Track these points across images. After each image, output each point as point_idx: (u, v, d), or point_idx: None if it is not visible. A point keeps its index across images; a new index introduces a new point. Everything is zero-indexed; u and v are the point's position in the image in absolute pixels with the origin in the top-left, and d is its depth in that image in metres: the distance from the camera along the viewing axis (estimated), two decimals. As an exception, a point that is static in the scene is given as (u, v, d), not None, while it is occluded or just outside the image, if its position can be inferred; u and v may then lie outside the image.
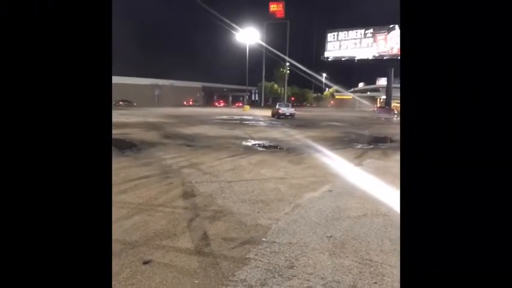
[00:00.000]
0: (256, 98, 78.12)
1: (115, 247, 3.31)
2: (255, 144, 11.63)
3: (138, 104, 52.15)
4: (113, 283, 2.69)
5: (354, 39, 68.77)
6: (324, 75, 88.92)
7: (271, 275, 2.85)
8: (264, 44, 62.33)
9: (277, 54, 66.35)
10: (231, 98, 78.69)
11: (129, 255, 3.15)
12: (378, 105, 67.81)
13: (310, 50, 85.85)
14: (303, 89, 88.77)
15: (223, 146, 10.85)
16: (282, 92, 73.69)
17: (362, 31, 66.92)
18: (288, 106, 31.99)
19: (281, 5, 74.37)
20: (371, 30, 64.09)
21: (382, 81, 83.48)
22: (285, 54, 69.25)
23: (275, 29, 73.95)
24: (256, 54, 63.81)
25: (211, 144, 11.11)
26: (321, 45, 74.42)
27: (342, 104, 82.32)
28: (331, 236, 3.71)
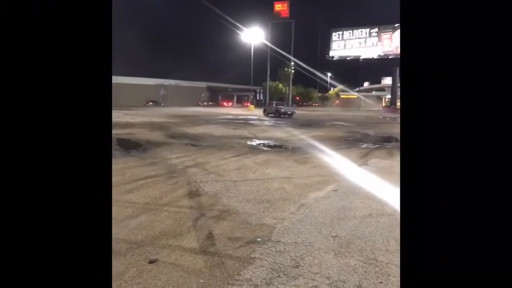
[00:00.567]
0: (261, 98, 78.03)
1: (121, 246, 3.33)
2: (259, 143, 11.64)
3: (143, 105, 52.25)
4: (119, 282, 2.70)
5: (359, 38, 68.51)
6: (329, 74, 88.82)
7: (277, 275, 2.85)
8: (268, 43, 62.23)
9: (282, 54, 66.23)
10: (235, 98, 78.71)
11: (135, 255, 3.17)
12: (383, 104, 67.54)
13: (315, 49, 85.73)
14: (308, 88, 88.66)
15: (228, 145, 10.87)
16: (287, 92, 73.60)
17: (367, 30, 66.67)
18: (283, 105, 33.47)
19: (286, 5, 74.22)
20: (376, 29, 63.87)
21: (387, 81, 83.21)
22: (289, 54, 69.10)
23: (280, 29, 73.83)
24: (261, 53, 63.71)
25: (216, 144, 11.13)
26: (326, 44, 74.23)
27: (347, 103, 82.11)
28: (336, 236, 3.70)
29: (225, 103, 72.87)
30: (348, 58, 69.74)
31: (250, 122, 23.38)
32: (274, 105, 32.48)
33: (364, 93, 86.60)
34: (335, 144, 11.76)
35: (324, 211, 4.53)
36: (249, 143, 11.76)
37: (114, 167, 7.15)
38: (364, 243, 3.52)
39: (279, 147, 10.93)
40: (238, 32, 55.98)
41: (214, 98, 77.74)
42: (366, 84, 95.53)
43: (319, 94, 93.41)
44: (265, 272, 2.90)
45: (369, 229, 3.91)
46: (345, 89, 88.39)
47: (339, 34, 71.43)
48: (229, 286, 2.68)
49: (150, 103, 60.75)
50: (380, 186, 5.97)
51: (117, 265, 2.96)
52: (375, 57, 63.25)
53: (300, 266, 3.02)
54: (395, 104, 54.46)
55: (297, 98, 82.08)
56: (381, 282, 2.77)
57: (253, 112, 39.75)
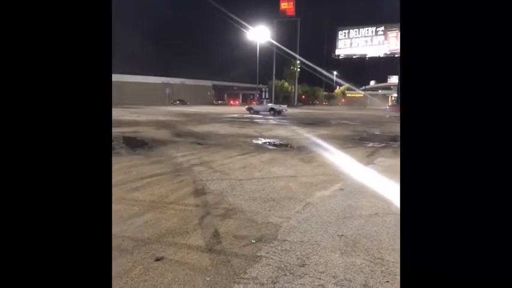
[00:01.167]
0: (267, 96, 77.98)
1: (128, 244, 3.35)
2: (265, 142, 11.64)
3: (147, 103, 52.37)
4: (126, 279, 2.72)
5: (365, 36, 68.29)
6: (335, 73, 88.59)
7: (283, 273, 2.85)
8: (274, 42, 62.16)
9: (287, 52, 66.20)
10: (241, 96, 78.74)
11: (142, 252, 3.19)
12: (390, 103, 67.25)
13: (321, 47, 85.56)
14: (314, 87, 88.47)
15: (233, 144, 10.88)
16: (293, 90, 73.54)
17: (373, 28, 66.43)
18: (264, 103, 35.62)
19: (292, 3, 74.10)
20: (382, 28, 63.60)
21: (393, 79, 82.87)
22: (295, 52, 69.06)
23: (286, 27, 73.76)
24: (267, 52, 63.72)
25: (221, 143, 11.14)
26: (332, 42, 74.09)
27: (353, 102, 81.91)
28: (342, 235, 3.69)
29: (231, 101, 73.30)
30: (354, 57, 69.53)
31: (255, 120, 23.37)
32: (265, 103, 34.91)
33: (370, 92, 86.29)
34: (341, 143, 11.73)
35: (329, 210, 4.52)
36: (254, 141, 11.76)
37: (120, 165, 7.19)
38: (371, 242, 3.51)
39: (284, 145, 10.92)
40: (243, 30, 56.02)
41: (220, 96, 77.84)
42: (372, 82, 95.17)
43: (325, 93, 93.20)
44: (271, 270, 2.90)
45: (375, 228, 3.89)
46: (351, 87, 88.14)
47: (345, 32, 71.23)
48: (235, 284, 2.69)
49: (177, 102, 63.02)
50: (386, 185, 5.94)
51: (124, 262, 2.98)
52: (381, 55, 62.99)
53: (306, 264, 3.01)
54: (401, 103, 54.10)
55: (303, 96, 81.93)
56: (387, 282, 2.76)
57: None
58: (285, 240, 3.51)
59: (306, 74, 76.11)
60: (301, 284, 2.71)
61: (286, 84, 76.12)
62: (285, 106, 33.32)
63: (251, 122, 21.79)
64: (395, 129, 18.70)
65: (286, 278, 2.79)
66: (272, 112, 30.56)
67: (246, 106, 35.32)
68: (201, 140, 11.60)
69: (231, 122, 20.68)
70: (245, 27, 55.22)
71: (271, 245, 3.40)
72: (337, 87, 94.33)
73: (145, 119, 21.94)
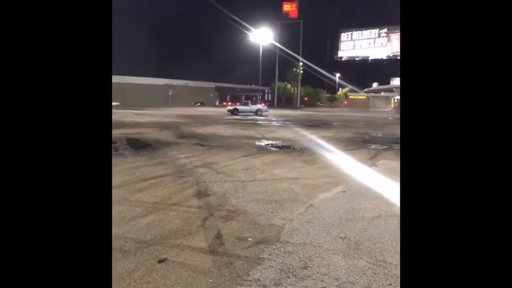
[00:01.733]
0: (269, 98, 78.01)
1: (130, 245, 3.36)
2: (268, 144, 11.64)
3: (151, 105, 52.44)
4: (128, 281, 2.73)
5: (368, 39, 68.24)
6: (338, 75, 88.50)
7: (285, 275, 2.85)
8: (277, 44, 62.21)
9: (290, 54, 66.23)
10: (243, 98, 78.81)
11: (144, 254, 3.20)
12: (393, 105, 67.14)
13: (323, 49, 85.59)
14: (316, 88, 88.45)
15: (236, 145, 10.89)
16: (295, 92, 73.54)
17: (376, 31, 66.39)
18: (247, 104, 36.21)
19: (294, 5, 74.20)
20: (385, 30, 63.57)
21: (396, 81, 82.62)
22: (298, 54, 69.07)
23: (288, 29, 73.83)
24: (270, 54, 63.75)
25: (224, 144, 11.15)
26: (335, 45, 74.09)
27: (355, 104, 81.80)
28: (345, 237, 3.69)
29: (238, 103, 73.63)
30: (356, 59, 69.49)
31: (258, 122, 23.38)
32: (249, 104, 35.85)
33: (373, 94, 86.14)
34: (343, 145, 11.72)
35: (332, 212, 4.52)
36: (257, 143, 11.77)
37: (123, 166, 7.21)
38: (373, 244, 3.51)
39: (287, 147, 10.92)
40: (246, 32, 56.05)
41: (223, 98, 77.85)
42: (374, 85, 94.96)
43: (328, 95, 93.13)
44: (274, 272, 2.90)
45: (378, 230, 3.89)
46: (354, 89, 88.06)
47: (347, 34, 71.20)
48: (238, 286, 2.69)
49: (198, 104, 63.98)
50: (389, 187, 5.93)
51: (127, 264, 2.99)
52: (384, 57, 62.94)
53: (308, 267, 3.01)
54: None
55: (305, 98, 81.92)
56: (390, 284, 2.75)
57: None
58: (287, 242, 3.51)
59: (309, 76, 76.17)
60: (304, 286, 2.70)
61: (289, 86, 76.12)
62: (266, 107, 36.51)
63: (254, 123, 21.80)
64: (398, 131, 18.61)
65: (289, 280, 2.79)
66: (259, 113, 33.34)
67: (228, 107, 35.29)
68: (204, 142, 11.61)
69: (234, 124, 20.70)
70: (248, 30, 55.31)
71: (273, 247, 3.40)
72: (340, 89, 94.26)
73: (148, 120, 21.99)
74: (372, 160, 8.89)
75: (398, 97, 66.77)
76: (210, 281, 2.76)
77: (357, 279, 2.83)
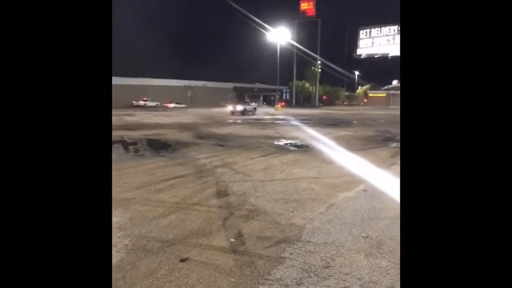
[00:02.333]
0: (288, 97, 77.78)
1: (153, 245, 3.40)
2: (286, 143, 11.61)
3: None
4: (151, 280, 2.76)
5: (387, 35, 67.29)
6: (357, 73, 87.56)
7: (307, 275, 2.84)
8: (294, 42, 61.96)
9: (308, 53, 65.88)
10: (261, 98, 78.74)
11: (167, 253, 3.23)
12: (413, 102, 65.82)
13: (342, 47, 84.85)
14: (335, 87, 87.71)
15: (255, 145, 10.90)
16: (314, 91, 73.13)
17: (395, 27, 65.39)
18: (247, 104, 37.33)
19: (312, 3, 73.76)
20: (405, 26, 62.48)
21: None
22: (316, 53, 68.66)
23: (306, 28, 73.47)
24: (287, 53, 63.56)
25: (243, 144, 11.18)
26: (353, 42, 73.37)
27: (375, 102, 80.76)
28: (367, 236, 3.65)
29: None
30: (375, 56, 68.65)
31: (276, 122, 23.35)
32: (249, 103, 37.54)
33: (393, 92, 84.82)
34: (364, 144, 11.59)
35: (353, 211, 4.47)
36: (275, 142, 11.75)
37: (144, 167, 7.30)
38: (396, 243, 3.45)
39: (306, 146, 10.86)
40: (264, 31, 55.98)
41: (241, 98, 78.06)
42: (394, 82, 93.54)
43: (347, 93, 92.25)
44: (296, 272, 2.89)
45: (401, 230, 3.82)
46: (373, 87, 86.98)
47: (366, 32, 70.42)
48: (260, 285, 2.69)
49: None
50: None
51: (149, 263, 3.03)
52: (404, 54, 61.86)
53: (330, 266, 2.99)
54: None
55: (324, 97, 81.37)
56: (414, 284, 2.70)
57: (279, 112, 39.65)
58: (308, 242, 3.49)
59: (327, 74, 75.61)
60: (326, 285, 2.68)
61: (307, 85, 75.73)
62: (255, 105, 38.64)
63: (272, 123, 21.78)
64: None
65: (310, 279, 2.77)
66: (255, 111, 35.44)
67: (231, 108, 34.72)
68: (223, 142, 11.67)
69: (252, 124, 20.72)
70: (265, 29, 55.23)
71: (294, 246, 3.39)
72: (359, 87, 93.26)
73: (168, 121, 22.24)
74: (393, 158, 8.76)
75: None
76: (232, 280, 2.77)
77: (380, 278, 2.79)
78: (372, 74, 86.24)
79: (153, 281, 2.75)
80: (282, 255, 3.18)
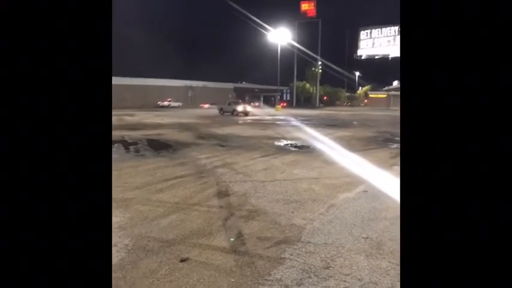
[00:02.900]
0: (288, 98, 77.77)
1: (153, 245, 3.40)
2: (287, 144, 11.61)
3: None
4: (152, 280, 2.76)
5: (388, 36, 67.31)
6: (357, 73, 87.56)
7: (307, 275, 2.84)
8: (295, 43, 61.94)
9: (308, 54, 65.89)
10: (262, 98, 78.72)
11: (167, 253, 3.23)
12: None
13: (342, 48, 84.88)
14: (336, 88, 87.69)
15: (255, 146, 10.90)
16: (314, 92, 73.12)
17: (396, 28, 65.39)
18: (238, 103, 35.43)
19: (312, 4, 73.76)
20: (406, 27, 62.44)
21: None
22: (316, 54, 68.67)
23: (306, 28, 73.47)
24: (288, 54, 63.53)
25: (244, 144, 11.18)
26: (354, 43, 73.36)
27: (376, 103, 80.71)
28: (367, 237, 3.65)
29: (252, 103, 74.01)
30: (376, 57, 68.65)
31: (277, 122, 23.35)
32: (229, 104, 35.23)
33: (394, 93, 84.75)
34: (364, 144, 11.59)
35: (354, 212, 4.47)
36: (276, 143, 11.75)
37: (145, 167, 7.31)
38: (396, 244, 3.45)
39: (306, 147, 10.86)
40: (264, 32, 55.95)
41: (241, 98, 78.11)
42: (395, 83, 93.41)
43: (347, 94, 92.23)
44: (296, 272, 2.89)
45: (401, 231, 3.82)
46: (374, 88, 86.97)
47: (367, 32, 70.44)
48: (260, 286, 2.69)
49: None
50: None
51: (150, 263, 3.03)
52: (405, 55, 61.82)
53: (330, 267, 2.99)
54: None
55: (325, 97, 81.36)
56: (414, 285, 2.70)
57: (279, 113, 39.64)
58: (309, 242, 3.49)
59: (328, 75, 75.63)
60: (326, 286, 2.68)
61: (307, 85, 75.71)
62: (244, 104, 36.25)
63: (273, 124, 21.78)
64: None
65: (311, 280, 2.77)
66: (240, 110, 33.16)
67: (220, 107, 34.62)
68: (223, 142, 11.67)
69: (252, 124, 20.72)
70: (266, 29, 55.20)
71: (295, 247, 3.39)
72: (360, 88, 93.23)
73: (168, 121, 22.24)
74: (393, 159, 8.76)
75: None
76: (232, 280, 2.77)
77: (380, 279, 2.79)
78: (373, 75, 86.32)
79: (153, 281, 2.75)
80: (282, 256, 3.19)
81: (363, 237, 3.64)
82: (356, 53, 71.73)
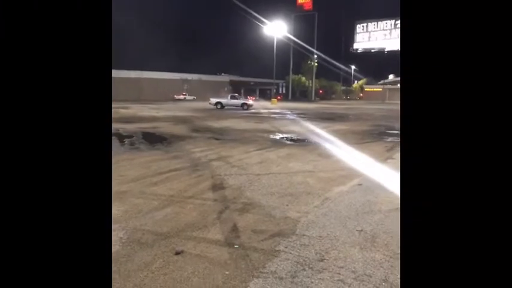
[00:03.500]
0: (284, 91, 77.69)
1: (148, 238, 3.40)
2: (282, 137, 11.61)
3: (166, 99, 53.06)
4: (146, 272, 2.76)
5: (384, 30, 67.28)
6: (353, 67, 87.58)
7: (302, 268, 2.85)
8: (291, 36, 61.77)
9: (304, 47, 65.74)
10: (258, 92, 78.57)
11: (162, 246, 3.23)
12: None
13: (338, 42, 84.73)
14: (332, 81, 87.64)
15: (251, 139, 10.90)
16: (310, 85, 73.06)
17: (392, 21, 65.37)
18: (235, 98, 34.12)
19: (309, -3, 73.39)
20: (402, 21, 62.43)
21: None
22: (312, 47, 68.52)
23: (303, 21, 73.17)
24: (284, 47, 63.35)
25: (239, 138, 11.17)
26: (350, 36, 73.33)
27: (371, 96, 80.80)
28: (361, 230, 3.67)
29: (249, 97, 73.81)
30: (372, 50, 68.68)
31: (272, 116, 23.33)
32: (229, 97, 33.65)
33: (390, 86, 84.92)
34: (359, 138, 11.62)
35: (348, 205, 4.49)
36: (271, 136, 11.75)
37: (140, 160, 7.29)
38: (390, 237, 3.48)
39: (302, 140, 10.87)
40: (260, 25, 55.74)
41: (237, 91, 77.93)
42: (391, 76, 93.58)
43: (343, 87, 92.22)
44: (290, 265, 2.90)
45: (395, 223, 3.84)
46: (370, 81, 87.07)
47: (363, 26, 70.36)
48: (255, 278, 2.70)
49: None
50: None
51: (144, 256, 3.03)
52: (400, 49, 61.91)
53: (325, 259, 3.00)
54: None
55: (320, 91, 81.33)
56: (407, 278, 2.72)
57: (275, 106, 39.60)
58: (303, 235, 3.51)
59: (324, 68, 75.57)
60: (320, 278, 2.70)
61: (303, 79, 75.61)
62: (251, 102, 35.08)
63: (268, 117, 21.77)
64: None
65: (305, 272, 2.78)
66: (245, 107, 31.39)
67: (215, 100, 32.84)
68: (219, 136, 11.65)
69: (248, 118, 20.70)
70: (262, 22, 54.94)
71: (289, 239, 3.40)
72: (355, 81, 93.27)
73: (163, 114, 22.16)
74: (388, 153, 8.80)
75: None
76: (227, 273, 2.77)
77: (373, 271, 2.81)
78: (369, 69, 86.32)
79: (147, 274, 2.75)
80: (277, 249, 3.20)
81: (357, 230, 3.66)
82: (352, 46, 71.68)
